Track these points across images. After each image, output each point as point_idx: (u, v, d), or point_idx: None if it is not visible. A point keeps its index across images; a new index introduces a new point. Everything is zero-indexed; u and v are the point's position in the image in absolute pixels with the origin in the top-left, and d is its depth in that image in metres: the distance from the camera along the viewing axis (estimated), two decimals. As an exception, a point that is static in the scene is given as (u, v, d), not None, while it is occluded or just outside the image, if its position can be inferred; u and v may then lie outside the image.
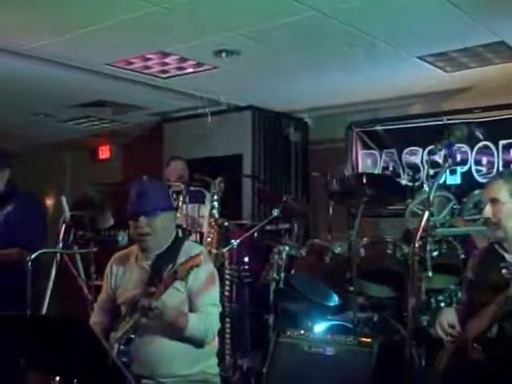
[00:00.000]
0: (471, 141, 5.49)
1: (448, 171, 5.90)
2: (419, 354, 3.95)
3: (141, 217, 2.97)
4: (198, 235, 5.22)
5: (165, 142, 7.63)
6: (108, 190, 7.96)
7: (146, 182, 3.10)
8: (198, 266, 2.69)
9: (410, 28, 4.57)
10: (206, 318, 2.91)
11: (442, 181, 5.91)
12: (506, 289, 2.60)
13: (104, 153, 9.26)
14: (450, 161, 2.65)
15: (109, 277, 3.17)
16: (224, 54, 5.06)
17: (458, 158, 5.85)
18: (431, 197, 2.72)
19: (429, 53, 5.13)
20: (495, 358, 2.65)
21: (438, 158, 5.94)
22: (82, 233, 4.84)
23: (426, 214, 2.56)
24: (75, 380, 2.61)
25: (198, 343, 2.93)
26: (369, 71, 5.61)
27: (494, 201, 2.85)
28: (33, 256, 3.51)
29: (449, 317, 2.95)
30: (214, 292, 3.03)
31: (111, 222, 5.37)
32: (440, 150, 2.73)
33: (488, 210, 2.88)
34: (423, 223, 2.54)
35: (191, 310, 2.93)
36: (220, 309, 3.06)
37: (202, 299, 2.93)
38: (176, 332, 2.85)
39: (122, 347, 2.85)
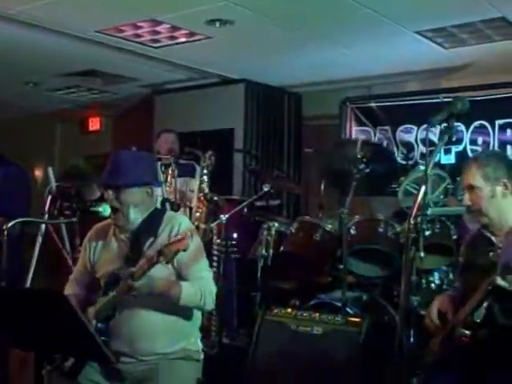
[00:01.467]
0: (468, 118, 5.39)
1: (443, 150, 5.82)
2: (408, 334, 3.90)
3: (109, 190, 2.88)
4: (188, 209, 5.15)
5: (155, 115, 7.51)
6: (97, 162, 7.82)
7: (123, 155, 2.99)
8: (184, 250, 2.59)
9: (409, 1, 4.45)
10: (201, 283, 2.81)
11: (436, 159, 5.85)
12: (494, 272, 2.53)
13: (94, 124, 9.12)
14: (449, 133, 2.54)
15: (87, 249, 3.06)
16: (217, 24, 4.92)
17: (454, 137, 5.74)
18: (428, 171, 2.62)
19: (428, 28, 5.01)
20: (482, 343, 2.60)
21: (434, 137, 5.90)
22: (67, 204, 4.76)
23: (423, 189, 2.47)
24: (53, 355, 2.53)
25: (191, 313, 2.86)
26: (366, 46, 5.49)
27: (471, 187, 2.78)
28: (9, 225, 3.41)
29: (438, 306, 2.88)
30: (203, 261, 2.94)
31: (98, 193, 5.27)
32: (439, 122, 2.62)
33: (467, 198, 2.80)
34: (419, 199, 2.45)
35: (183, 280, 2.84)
36: (212, 273, 2.97)
37: (192, 268, 2.84)
38: (170, 304, 2.76)
39: (99, 324, 2.76)
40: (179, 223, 2.91)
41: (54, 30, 5.23)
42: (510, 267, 2.42)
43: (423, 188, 2.49)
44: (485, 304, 2.56)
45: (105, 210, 2.87)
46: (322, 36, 5.28)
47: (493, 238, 2.78)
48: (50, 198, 4.43)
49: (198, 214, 4.98)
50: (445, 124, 2.62)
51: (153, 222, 2.94)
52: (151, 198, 3.00)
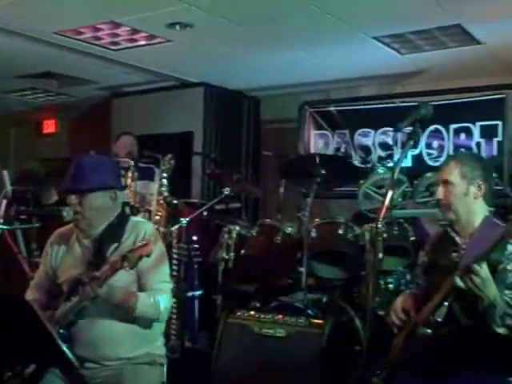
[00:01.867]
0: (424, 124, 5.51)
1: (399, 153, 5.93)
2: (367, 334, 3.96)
3: (71, 195, 2.85)
4: (147, 213, 5.11)
5: (113, 117, 7.44)
6: (53, 166, 7.74)
7: (85, 159, 2.95)
8: (148, 256, 2.58)
9: (368, 7, 4.52)
10: (157, 296, 2.80)
11: (392, 163, 5.96)
12: (456, 272, 2.59)
13: (49, 127, 8.97)
14: (414, 138, 2.60)
15: (49, 255, 3.02)
16: (178, 27, 4.92)
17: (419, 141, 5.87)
18: (395, 175, 2.68)
19: (386, 34, 5.10)
20: (443, 341, 2.65)
21: (390, 141, 6.02)
22: (23, 208, 4.68)
23: (390, 193, 2.52)
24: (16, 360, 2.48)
25: (149, 322, 2.84)
26: (325, 50, 5.56)
27: (446, 182, 2.84)
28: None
29: (402, 303, 2.93)
30: (165, 269, 2.93)
31: (55, 197, 5.20)
32: (405, 127, 2.67)
33: (440, 192, 2.86)
34: (387, 203, 2.50)
35: (141, 289, 2.82)
36: (171, 285, 2.97)
37: (152, 277, 2.83)
38: (126, 313, 2.75)
39: (61, 330, 2.72)
40: (145, 230, 2.90)
41: (9, 31, 5.14)
42: (469, 269, 2.48)
43: (390, 192, 2.53)
44: (446, 303, 2.62)
45: (68, 214, 2.83)
46: (282, 40, 5.32)
47: (457, 239, 2.83)
48: (5, 202, 4.34)
49: (157, 218, 4.95)
50: (410, 129, 2.67)
51: (117, 227, 2.91)
52: (115, 203, 2.97)
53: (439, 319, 2.65)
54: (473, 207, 2.81)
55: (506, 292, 2.57)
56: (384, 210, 2.51)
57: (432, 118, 2.68)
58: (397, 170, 2.72)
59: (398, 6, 4.46)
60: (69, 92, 7.43)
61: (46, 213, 4.04)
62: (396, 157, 5.95)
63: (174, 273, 4.47)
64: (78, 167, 2.89)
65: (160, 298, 2.81)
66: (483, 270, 2.47)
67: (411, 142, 2.67)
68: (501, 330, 2.52)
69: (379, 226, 2.51)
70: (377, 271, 4.22)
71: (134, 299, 2.74)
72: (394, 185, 2.66)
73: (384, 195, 4.35)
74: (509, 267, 2.61)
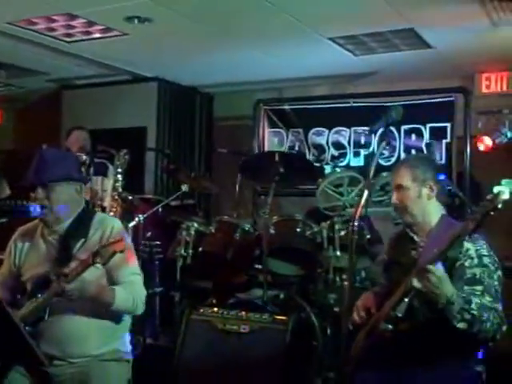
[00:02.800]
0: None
1: (352, 153, 6.05)
2: (325, 330, 4.04)
3: (38, 188, 2.81)
4: (100, 209, 5.05)
5: (63, 110, 7.31)
6: (-1, 158, 7.55)
7: (47, 152, 2.93)
8: (122, 251, 2.57)
9: (325, 9, 4.58)
10: (132, 288, 2.80)
11: (346, 162, 6.09)
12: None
13: (-6, 118, 8.70)
14: (386, 139, 2.67)
15: (12, 252, 2.97)
16: (136, 21, 4.87)
17: (362, 140, 6.00)
18: (371, 175, 2.74)
19: (341, 35, 5.19)
20: (404, 337, 2.73)
21: (343, 140, 6.13)
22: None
23: (366, 193, 2.58)
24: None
25: (120, 317, 2.83)
26: (280, 49, 5.62)
27: (399, 187, 2.92)
28: None
29: (363, 301, 3.01)
30: (135, 263, 2.92)
31: (8, 191, 5.09)
32: (378, 129, 2.74)
33: (394, 197, 2.95)
34: (363, 202, 2.56)
35: (112, 282, 2.81)
36: (142, 277, 2.95)
37: (122, 271, 2.81)
38: (102, 307, 2.72)
39: (27, 328, 2.67)
40: (112, 226, 2.88)
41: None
42: (424, 269, 2.56)
43: (366, 191, 2.59)
44: (406, 299, 2.69)
45: (35, 210, 2.79)
46: (237, 38, 5.34)
47: (415, 237, 2.93)
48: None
49: (111, 214, 4.90)
50: (382, 130, 2.73)
51: (82, 223, 2.89)
52: (80, 197, 2.95)
53: (400, 314, 2.72)
54: (428, 208, 2.90)
55: (465, 288, 2.66)
56: (360, 208, 2.57)
57: (401, 120, 2.75)
58: (372, 170, 2.77)
59: (355, 8, 4.55)
60: (17, 83, 7.24)
61: (13, 208, 3.93)
62: (347, 157, 6.08)
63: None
64: (41, 160, 2.84)
65: (135, 291, 2.81)
66: (439, 269, 2.56)
67: (383, 143, 2.74)
68: (460, 325, 2.61)
69: (355, 224, 2.57)
70: (333, 268, 4.34)
71: (110, 293, 2.72)
72: (370, 184, 2.72)
73: (341, 193, 4.52)
74: (466, 264, 2.70)
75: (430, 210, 2.89)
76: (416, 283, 2.58)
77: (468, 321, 2.58)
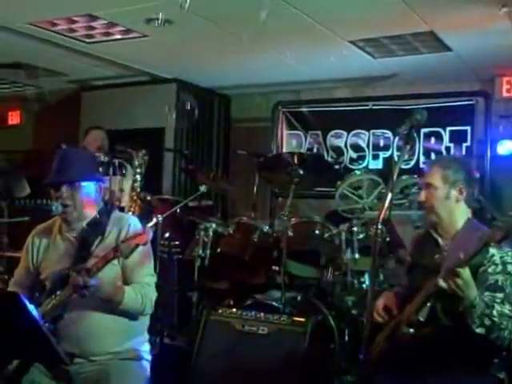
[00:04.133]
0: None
1: (371, 156, 6.03)
2: (343, 333, 4.03)
3: (63, 187, 2.82)
4: (118, 209, 5.07)
5: (82, 111, 7.32)
6: (17, 158, 7.61)
7: (70, 151, 2.98)
8: (144, 244, 2.58)
9: (345, 11, 4.56)
10: (142, 289, 2.82)
11: (365, 164, 6.07)
12: (438, 273, 2.66)
13: (13, 118, 8.76)
14: (410, 142, 2.66)
15: (30, 250, 2.99)
16: (156, 23, 4.88)
17: (381, 143, 5.98)
18: (395, 177, 2.73)
19: (361, 37, 5.17)
20: (425, 342, 2.72)
21: (362, 143, 6.11)
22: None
23: (390, 195, 2.57)
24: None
25: (135, 316, 2.84)
26: (299, 51, 5.59)
27: (428, 185, 2.91)
28: None
29: (384, 301, 2.99)
30: (150, 264, 2.95)
31: (28, 190, 5.12)
32: (404, 132, 2.72)
33: (422, 194, 2.93)
34: (387, 204, 2.55)
35: (126, 282, 2.83)
36: (155, 279, 2.97)
37: (137, 272, 2.84)
38: (111, 306, 2.74)
39: (47, 324, 2.69)
40: (128, 224, 2.91)
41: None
42: (452, 270, 2.55)
43: (390, 194, 2.58)
44: (428, 304, 2.68)
45: (57, 208, 2.81)
46: (256, 39, 5.32)
47: (440, 240, 2.90)
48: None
49: (130, 214, 4.92)
50: (406, 133, 2.72)
51: (100, 221, 2.92)
52: (100, 196, 2.98)
53: (422, 319, 2.71)
54: (454, 210, 2.88)
55: (486, 293, 2.65)
56: (384, 211, 2.56)
57: (425, 123, 2.73)
58: (395, 173, 2.76)
59: (375, 11, 4.53)
60: (36, 83, 7.28)
61: (37, 206, 3.96)
62: (366, 159, 6.06)
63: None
64: (64, 159, 2.88)
65: (145, 291, 2.82)
66: (466, 272, 2.54)
67: (407, 147, 2.72)
68: (479, 330, 2.60)
69: (379, 227, 2.56)
70: (351, 271, 4.32)
71: (121, 293, 2.74)
72: (393, 187, 2.71)
73: (360, 196, 4.51)
74: (489, 270, 2.70)
75: (457, 212, 2.87)
76: (443, 284, 2.56)
77: (487, 326, 2.58)
